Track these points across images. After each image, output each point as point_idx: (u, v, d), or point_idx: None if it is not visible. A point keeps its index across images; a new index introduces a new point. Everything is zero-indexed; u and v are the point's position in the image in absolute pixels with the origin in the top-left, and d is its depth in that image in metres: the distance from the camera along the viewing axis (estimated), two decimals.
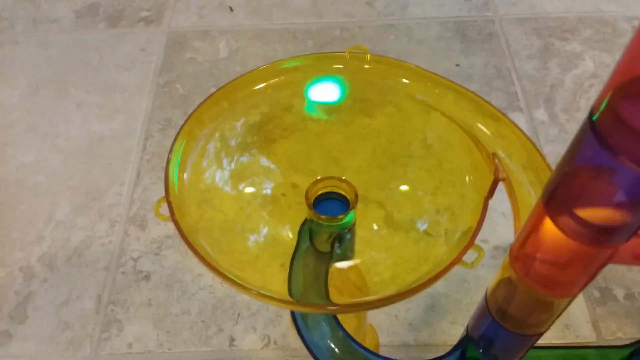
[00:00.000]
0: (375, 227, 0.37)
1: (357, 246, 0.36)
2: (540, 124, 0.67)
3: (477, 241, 0.29)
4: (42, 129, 0.69)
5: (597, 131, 0.16)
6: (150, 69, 0.75)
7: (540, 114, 0.68)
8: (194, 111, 0.35)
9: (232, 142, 0.38)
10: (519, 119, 0.67)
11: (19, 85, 0.74)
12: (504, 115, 0.35)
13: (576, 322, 0.53)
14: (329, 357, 0.39)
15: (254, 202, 0.38)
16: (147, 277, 0.56)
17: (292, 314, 0.39)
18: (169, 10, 0.82)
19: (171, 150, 0.33)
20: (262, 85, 0.38)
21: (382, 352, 0.51)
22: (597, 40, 0.74)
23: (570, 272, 0.21)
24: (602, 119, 0.16)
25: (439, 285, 0.55)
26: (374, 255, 0.37)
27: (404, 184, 0.38)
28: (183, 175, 0.34)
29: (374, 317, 0.53)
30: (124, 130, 0.69)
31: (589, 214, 0.18)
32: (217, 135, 0.37)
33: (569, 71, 0.72)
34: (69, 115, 0.70)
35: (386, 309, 0.54)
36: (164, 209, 0.30)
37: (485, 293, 0.28)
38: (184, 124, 0.34)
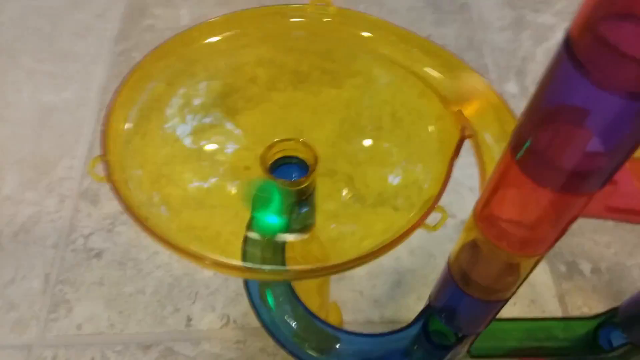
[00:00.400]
0: (341, 200, 0.35)
1: (323, 220, 0.34)
2: (510, 97, 0.65)
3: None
4: None
5: (574, 56, 0.14)
6: (107, 37, 0.71)
7: (511, 87, 0.66)
8: (134, 68, 0.32)
9: (192, 113, 0.36)
10: None
11: None
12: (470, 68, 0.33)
13: (542, 297, 0.52)
14: (290, 336, 0.37)
15: (215, 176, 0.35)
16: (98, 255, 0.53)
17: (248, 291, 0.36)
18: None
19: (111, 105, 0.30)
20: (217, 39, 0.35)
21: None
22: (570, 12, 0.73)
23: (540, 227, 0.19)
24: (581, 41, 0.14)
25: (405, 261, 0.53)
26: (340, 230, 0.35)
27: (373, 158, 0.36)
28: (123, 135, 0.31)
29: (338, 294, 0.51)
30: (77, 100, 0.65)
31: (562, 157, 0.16)
32: (176, 100, 0.35)
33: (541, 44, 0.70)
34: (19, 85, 0.66)
35: (351, 286, 0.52)
36: (100, 169, 0.27)
37: (448, 259, 0.26)
38: (124, 80, 0.31)
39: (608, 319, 0.36)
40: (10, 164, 0.59)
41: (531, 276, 0.54)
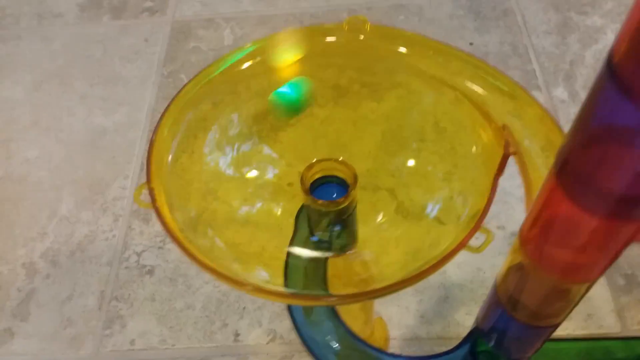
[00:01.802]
0: (384, 215, 0.35)
1: (366, 236, 0.34)
2: (560, 103, 0.63)
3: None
4: (45, 124, 0.68)
5: (618, 78, 0.13)
6: (154, 60, 0.73)
7: (560, 92, 0.64)
8: (176, 95, 0.33)
9: (236, 131, 0.36)
10: (538, 98, 0.64)
11: (22, 80, 0.73)
12: (518, 85, 0.32)
13: (599, 311, 0.49)
14: (332, 356, 0.37)
15: (259, 193, 0.36)
16: (150, 272, 0.55)
17: (289, 308, 0.36)
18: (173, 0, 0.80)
19: (156, 131, 0.31)
20: (258, 59, 0.36)
21: (393, 345, 0.49)
22: (619, 13, 0.70)
23: (588, 253, 0.18)
24: (625, 62, 0.13)
25: (453, 275, 0.53)
26: (384, 245, 0.35)
27: (416, 170, 0.36)
28: (169, 159, 0.32)
29: (384, 309, 0.51)
30: (127, 122, 0.67)
31: (607, 182, 0.15)
32: (218, 122, 0.36)
33: (590, 46, 0.68)
34: (73, 109, 0.69)
35: (397, 301, 0.51)
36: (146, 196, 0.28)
37: (495, 281, 0.25)
38: (167, 106, 0.32)
39: None
40: (67, 184, 0.62)
41: None
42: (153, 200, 0.28)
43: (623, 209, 0.16)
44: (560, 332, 0.49)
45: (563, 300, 0.21)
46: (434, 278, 0.53)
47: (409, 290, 0.52)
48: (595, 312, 0.50)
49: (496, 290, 0.25)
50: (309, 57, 0.38)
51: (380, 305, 0.51)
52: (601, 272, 0.19)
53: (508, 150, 0.26)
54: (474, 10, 0.73)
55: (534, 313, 0.23)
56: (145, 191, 0.28)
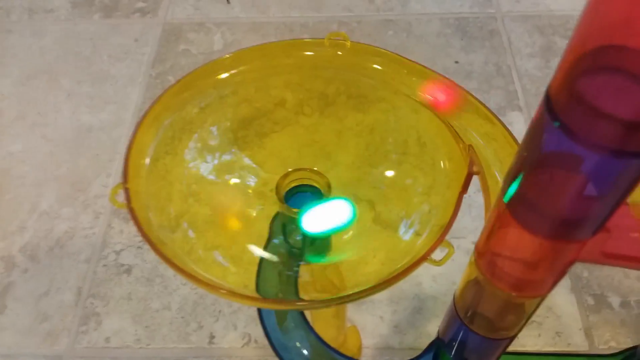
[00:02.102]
0: (364, 226, 0.35)
1: (344, 245, 0.35)
2: None
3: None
4: (31, 119, 0.68)
5: (554, 112, 0.14)
6: (143, 60, 0.74)
7: None
8: (160, 97, 0.33)
9: (217, 141, 0.37)
10: (518, 118, 0.65)
11: (10, 74, 0.73)
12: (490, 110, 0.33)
13: (568, 329, 0.51)
14: None
15: (240, 197, 0.36)
16: (128, 271, 0.55)
17: (260, 314, 0.37)
18: (165, 1, 0.81)
19: (135, 132, 0.32)
20: (237, 70, 0.36)
21: (365, 354, 0.50)
22: None
23: (535, 270, 0.19)
24: (559, 98, 0.14)
25: (428, 288, 0.53)
26: (362, 255, 0.35)
27: (396, 182, 0.37)
28: (147, 161, 0.32)
29: (359, 318, 0.52)
30: (113, 120, 0.68)
31: (549, 205, 0.16)
32: (202, 129, 0.36)
33: None
34: (59, 105, 0.70)
35: (371, 310, 0.52)
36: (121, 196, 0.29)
37: (454, 294, 0.26)
38: (150, 107, 0.33)
39: (629, 357, 0.35)
40: (49, 180, 0.62)
41: (557, 307, 0.53)
42: (128, 200, 0.28)
43: (564, 231, 0.17)
44: (528, 348, 0.50)
45: (515, 314, 0.22)
46: (409, 289, 0.54)
47: (384, 300, 0.53)
48: (564, 330, 0.51)
49: (454, 304, 0.26)
50: (298, 67, 0.38)
51: (355, 314, 0.52)
52: (550, 288, 0.20)
53: (472, 169, 0.27)
54: (461, 29, 0.75)
55: (489, 326, 0.24)
56: (121, 191, 0.29)
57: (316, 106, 0.38)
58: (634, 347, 0.34)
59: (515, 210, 0.17)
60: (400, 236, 0.34)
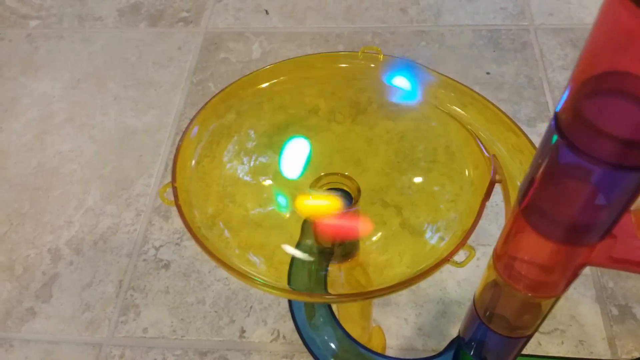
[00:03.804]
0: (391, 230, 0.37)
1: (372, 248, 0.37)
2: None
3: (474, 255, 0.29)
4: (80, 120, 0.72)
5: (561, 130, 0.16)
6: (186, 67, 0.77)
7: None
8: (206, 103, 0.36)
9: (254, 143, 0.39)
10: None
11: (61, 78, 0.78)
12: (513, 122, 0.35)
13: (591, 338, 0.51)
14: (329, 356, 0.40)
15: (273, 199, 0.39)
16: (166, 266, 0.58)
17: (292, 310, 0.39)
18: (207, 11, 0.85)
19: (183, 136, 0.34)
20: (276, 80, 0.39)
21: (389, 354, 0.52)
22: None
23: (549, 272, 0.21)
24: (566, 117, 0.16)
25: (452, 292, 0.55)
26: (389, 258, 0.37)
27: (424, 189, 0.38)
28: (192, 163, 0.35)
29: (384, 319, 0.53)
30: (156, 124, 0.71)
31: (559, 213, 0.18)
32: (239, 133, 0.39)
33: None
34: (106, 108, 0.74)
35: (396, 312, 0.54)
36: (170, 194, 0.32)
37: (474, 295, 0.28)
38: (197, 113, 0.35)
39: None
40: (95, 178, 0.66)
41: (581, 317, 0.54)
42: (176, 198, 0.31)
43: (573, 236, 0.19)
44: (556, 352, 0.51)
45: (532, 313, 0.24)
46: (434, 293, 0.55)
47: (408, 303, 0.55)
48: (587, 339, 0.52)
49: (474, 304, 0.27)
50: (331, 77, 0.41)
51: (380, 315, 0.54)
52: (564, 289, 0.22)
53: (495, 178, 0.29)
54: (493, 41, 0.76)
55: (507, 325, 0.26)
56: (169, 190, 0.32)
57: (348, 113, 0.40)
58: None
59: (529, 217, 0.19)
60: (426, 240, 0.35)
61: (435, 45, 0.76)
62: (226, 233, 0.35)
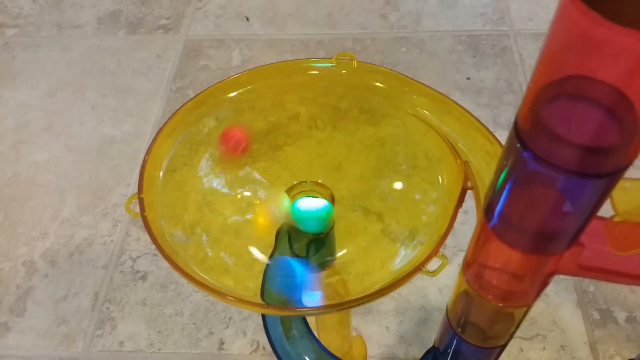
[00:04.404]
0: (372, 237, 0.37)
1: (352, 257, 0.36)
2: None
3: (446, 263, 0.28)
4: (56, 129, 0.71)
5: (521, 137, 0.16)
6: (165, 75, 0.77)
7: None
8: (176, 112, 0.35)
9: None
10: None
11: (38, 86, 0.76)
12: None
13: (573, 343, 0.51)
14: None
15: (252, 209, 0.38)
16: (143, 277, 0.57)
17: (265, 324, 0.38)
18: (187, 18, 0.84)
19: (150, 148, 0.34)
20: (250, 87, 0.38)
21: None
22: None
23: (518, 281, 0.21)
24: (525, 124, 0.16)
25: (433, 299, 0.54)
26: (369, 265, 0.37)
27: (406, 195, 0.38)
28: (161, 173, 0.34)
29: (365, 328, 0.53)
30: (134, 132, 0.70)
31: (523, 221, 0.18)
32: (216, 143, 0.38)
33: None
34: (83, 117, 0.73)
35: (378, 320, 0.53)
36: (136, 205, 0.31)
37: (446, 306, 0.28)
38: (166, 122, 0.35)
39: None
40: (72, 188, 0.65)
41: (562, 322, 0.53)
42: (142, 210, 0.30)
43: (539, 245, 0.18)
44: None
45: (505, 322, 0.24)
46: (416, 301, 0.55)
47: (390, 311, 0.55)
48: (569, 344, 0.51)
49: (447, 314, 0.27)
50: (309, 84, 0.40)
51: (361, 324, 0.53)
52: (534, 298, 0.22)
53: (466, 185, 0.28)
54: (473, 46, 0.76)
55: (480, 335, 0.25)
56: (136, 201, 0.31)
57: (328, 120, 0.40)
58: None
59: (495, 227, 0.19)
60: (407, 247, 0.35)
61: (415, 50, 0.76)
62: (205, 243, 0.35)
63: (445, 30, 0.78)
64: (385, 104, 0.39)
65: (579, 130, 0.15)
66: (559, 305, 0.53)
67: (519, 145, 0.16)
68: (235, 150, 0.37)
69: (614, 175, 0.15)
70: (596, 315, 0.53)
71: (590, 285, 0.54)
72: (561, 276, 0.57)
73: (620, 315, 0.52)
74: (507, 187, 0.17)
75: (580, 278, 0.55)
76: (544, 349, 0.51)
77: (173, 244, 0.32)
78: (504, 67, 0.73)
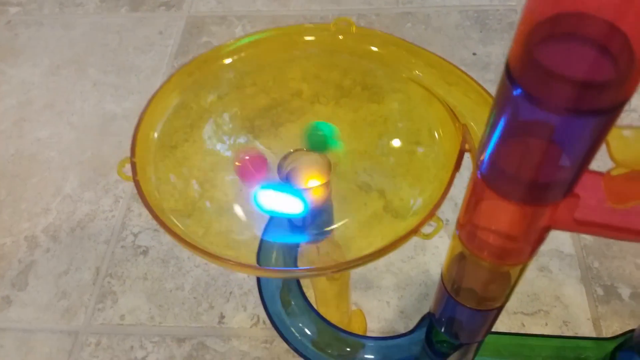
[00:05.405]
0: (374, 212, 0.36)
1: (354, 232, 0.36)
2: None
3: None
4: (59, 107, 0.71)
5: (513, 79, 0.15)
6: (167, 52, 0.76)
7: None
8: (170, 77, 0.35)
9: (235, 124, 0.38)
10: None
11: (41, 64, 0.76)
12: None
13: (576, 319, 0.50)
14: (307, 342, 0.38)
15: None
16: (145, 252, 0.57)
17: (263, 300, 0.38)
18: None
19: (143, 112, 0.33)
20: (244, 54, 0.38)
21: None
22: None
23: (513, 237, 0.20)
24: (516, 63, 0.15)
25: (435, 274, 0.54)
26: (370, 241, 0.36)
27: (408, 172, 0.37)
28: (153, 136, 0.34)
29: (366, 302, 0.52)
30: (136, 109, 0.70)
31: (517, 170, 0.17)
32: (220, 115, 0.38)
33: None
34: (86, 94, 0.72)
35: (378, 295, 0.53)
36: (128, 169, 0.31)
37: (441, 270, 0.27)
38: (159, 87, 0.34)
39: (626, 341, 0.35)
40: (74, 165, 0.65)
41: (565, 297, 0.53)
42: (134, 174, 0.30)
43: (535, 195, 0.17)
44: (538, 331, 0.50)
45: (500, 283, 0.23)
46: (417, 276, 0.54)
47: (390, 286, 0.54)
48: (572, 320, 0.51)
49: (442, 279, 0.26)
50: (314, 55, 0.39)
51: (361, 299, 0.53)
52: (530, 255, 0.21)
53: (464, 147, 0.28)
54: (480, 21, 0.75)
55: (475, 297, 0.25)
56: (128, 165, 0.31)
57: (332, 96, 0.39)
58: (632, 331, 0.34)
59: (488, 179, 0.18)
60: (408, 221, 0.34)
61: (421, 26, 0.75)
62: (206, 218, 0.34)
63: (451, 5, 0.77)
64: (387, 72, 0.38)
65: (571, 65, 0.14)
66: (563, 281, 0.53)
67: (511, 87, 0.15)
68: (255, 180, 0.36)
69: (610, 114, 0.14)
70: (600, 292, 0.52)
71: (595, 261, 0.53)
72: (565, 252, 0.56)
73: (625, 292, 0.52)
74: (499, 134, 0.16)
75: (584, 254, 0.54)
76: (546, 324, 0.51)
77: (175, 221, 0.32)
78: (510, 42, 0.72)
